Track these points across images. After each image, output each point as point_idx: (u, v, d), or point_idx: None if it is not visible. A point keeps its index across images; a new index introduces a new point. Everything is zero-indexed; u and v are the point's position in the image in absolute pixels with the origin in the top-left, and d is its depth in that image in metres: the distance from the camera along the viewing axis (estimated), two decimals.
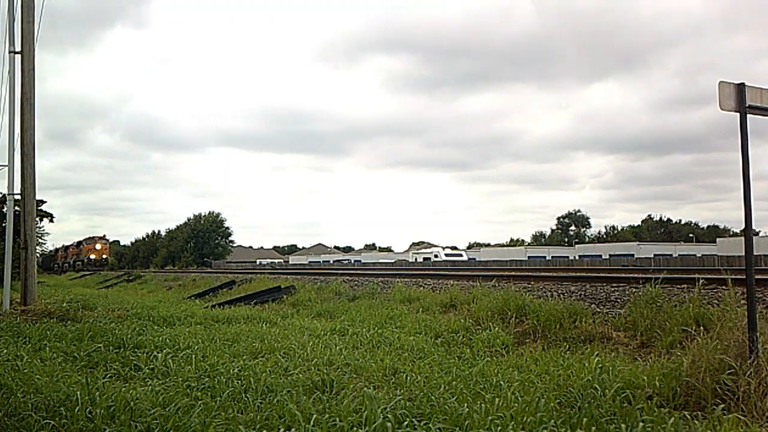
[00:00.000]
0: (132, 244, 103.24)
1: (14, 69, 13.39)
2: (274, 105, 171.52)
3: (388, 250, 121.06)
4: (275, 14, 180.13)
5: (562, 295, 9.67)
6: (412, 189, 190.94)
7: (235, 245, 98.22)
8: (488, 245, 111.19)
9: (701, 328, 5.86)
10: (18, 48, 13.33)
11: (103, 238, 67.91)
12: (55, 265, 74.50)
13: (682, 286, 9.24)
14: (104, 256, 65.29)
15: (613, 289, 10.27)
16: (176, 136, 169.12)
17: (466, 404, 4.47)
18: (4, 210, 21.25)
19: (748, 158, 5.02)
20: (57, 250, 76.37)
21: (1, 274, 13.11)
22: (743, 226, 5.17)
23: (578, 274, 15.60)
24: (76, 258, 68.31)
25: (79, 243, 68.25)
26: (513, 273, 17.07)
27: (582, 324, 7.76)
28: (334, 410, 4.44)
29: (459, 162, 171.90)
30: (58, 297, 15.93)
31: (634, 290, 9.07)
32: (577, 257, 64.54)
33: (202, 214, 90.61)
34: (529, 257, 64.21)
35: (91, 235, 67.94)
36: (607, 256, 53.24)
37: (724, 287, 8.01)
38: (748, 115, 5.08)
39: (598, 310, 8.39)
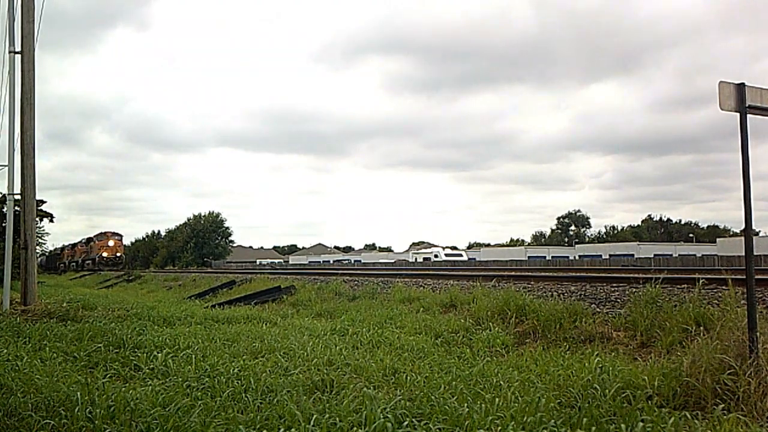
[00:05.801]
0: (132, 244, 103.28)
1: (14, 69, 13.39)
2: (273, 105, 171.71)
3: (388, 250, 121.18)
4: (275, 15, 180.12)
5: (562, 295, 9.66)
6: (412, 189, 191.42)
7: (234, 245, 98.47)
8: (488, 245, 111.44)
9: (701, 328, 5.87)
10: (18, 48, 13.33)
11: (116, 234, 60.80)
12: (61, 265, 68.74)
13: (682, 286, 9.24)
14: (118, 254, 58.09)
15: (613, 289, 10.27)
16: (176, 136, 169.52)
17: (466, 404, 4.46)
18: (4, 210, 21.27)
19: (748, 158, 5.02)
20: (63, 248, 71.18)
21: (1, 274, 13.11)
22: (743, 226, 5.17)
23: (578, 274, 15.61)
24: (85, 256, 61.28)
25: (89, 240, 61.17)
26: (513, 273, 17.08)
27: (582, 324, 7.75)
28: (334, 410, 4.44)
29: (458, 162, 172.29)
30: (58, 297, 15.91)
31: (634, 290, 9.05)
32: (577, 257, 64.68)
33: (202, 214, 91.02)
34: (529, 257, 64.35)
35: (102, 231, 60.64)
36: (607, 256, 53.43)
37: (724, 287, 8.02)
38: (748, 115, 5.08)
39: (598, 310, 8.38)
